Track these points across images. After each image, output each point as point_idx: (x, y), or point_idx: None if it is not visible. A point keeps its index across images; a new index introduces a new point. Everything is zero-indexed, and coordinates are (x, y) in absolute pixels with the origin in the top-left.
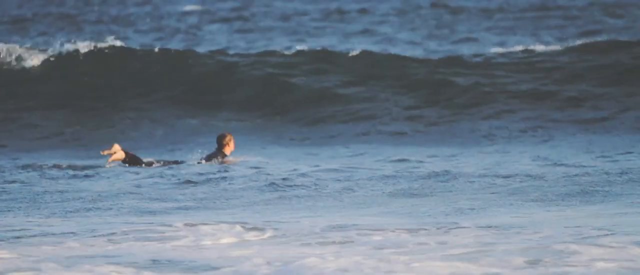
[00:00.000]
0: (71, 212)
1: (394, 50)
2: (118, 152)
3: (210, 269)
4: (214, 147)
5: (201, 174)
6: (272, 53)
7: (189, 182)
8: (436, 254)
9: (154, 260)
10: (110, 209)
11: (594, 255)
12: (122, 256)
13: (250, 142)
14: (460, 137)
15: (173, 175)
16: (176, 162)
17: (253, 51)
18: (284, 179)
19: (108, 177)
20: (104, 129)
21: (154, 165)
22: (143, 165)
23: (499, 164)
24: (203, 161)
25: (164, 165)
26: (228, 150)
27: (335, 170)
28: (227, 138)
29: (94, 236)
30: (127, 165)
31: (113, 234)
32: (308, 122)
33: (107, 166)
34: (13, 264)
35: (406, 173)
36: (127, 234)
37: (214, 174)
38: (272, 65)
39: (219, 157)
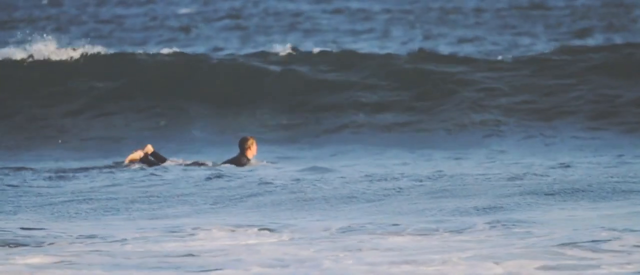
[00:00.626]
0: (81, 214)
1: (388, 50)
2: (137, 151)
3: (224, 270)
4: (209, 146)
5: (218, 177)
6: (258, 54)
7: (205, 184)
8: (452, 255)
9: (167, 263)
10: (124, 211)
11: (607, 259)
12: (133, 259)
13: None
14: (459, 136)
15: (189, 177)
16: (199, 163)
17: (246, 52)
18: (294, 181)
19: (121, 178)
20: (110, 130)
21: (173, 163)
22: (166, 162)
23: (502, 162)
24: (224, 164)
25: (185, 165)
26: (250, 153)
27: (341, 171)
28: (249, 142)
29: (107, 241)
30: (145, 165)
31: (124, 239)
32: (305, 123)
33: (125, 164)
34: (16, 268)
35: (410, 173)
36: (138, 238)
37: (231, 176)
38: (256, 64)
39: (240, 160)
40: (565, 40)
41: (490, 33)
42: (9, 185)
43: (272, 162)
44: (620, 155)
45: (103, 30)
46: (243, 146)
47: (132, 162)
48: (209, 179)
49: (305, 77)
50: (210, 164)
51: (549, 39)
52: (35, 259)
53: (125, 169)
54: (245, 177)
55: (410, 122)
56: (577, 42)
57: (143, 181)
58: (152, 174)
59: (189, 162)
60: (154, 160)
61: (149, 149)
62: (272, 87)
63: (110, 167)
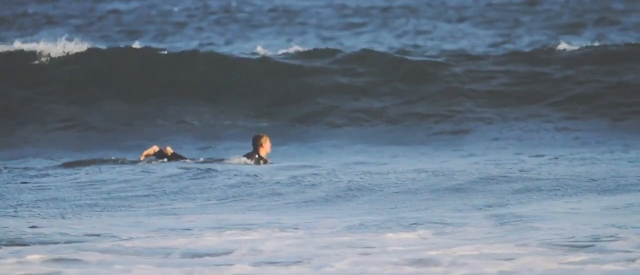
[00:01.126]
0: (89, 211)
1: (381, 44)
2: (153, 146)
3: (230, 267)
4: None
5: (226, 174)
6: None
7: (213, 181)
8: (458, 253)
9: (172, 260)
10: (130, 207)
11: (612, 257)
12: (138, 257)
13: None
14: (451, 128)
15: (197, 174)
16: (212, 160)
17: (235, 48)
18: (300, 178)
19: (131, 174)
20: (115, 126)
21: (186, 161)
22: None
23: (499, 156)
24: (237, 161)
25: (197, 162)
26: (263, 151)
27: (342, 168)
28: (263, 139)
29: (113, 238)
30: (164, 160)
31: (130, 237)
32: (300, 120)
33: (141, 159)
34: (22, 266)
35: (408, 171)
36: (143, 236)
37: (240, 174)
38: (240, 58)
39: (253, 157)
40: (558, 35)
41: (482, 28)
42: (15, 183)
43: (272, 162)
44: (621, 149)
45: (98, 24)
46: (256, 143)
47: (148, 156)
48: (217, 176)
49: (291, 73)
50: (221, 160)
51: (542, 33)
52: (41, 257)
53: (137, 163)
54: (254, 174)
55: (399, 114)
56: (569, 37)
57: (151, 178)
58: (161, 171)
59: (201, 159)
60: (170, 156)
61: (169, 150)
62: (257, 81)
63: (123, 162)
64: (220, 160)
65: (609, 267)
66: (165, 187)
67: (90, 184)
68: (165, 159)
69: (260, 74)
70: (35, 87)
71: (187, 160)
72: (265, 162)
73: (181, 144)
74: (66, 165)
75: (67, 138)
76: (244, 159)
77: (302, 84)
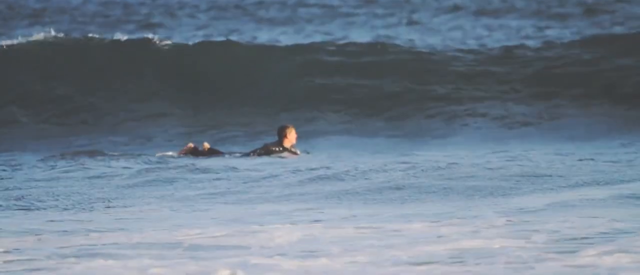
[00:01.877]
0: (108, 204)
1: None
2: (189, 144)
3: (244, 259)
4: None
5: (233, 168)
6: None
7: (220, 175)
8: (464, 250)
9: (185, 253)
10: (140, 200)
11: (623, 248)
12: (150, 249)
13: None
14: (439, 122)
15: (212, 166)
16: (255, 152)
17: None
18: (318, 171)
19: (142, 168)
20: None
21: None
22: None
23: (496, 152)
24: (260, 152)
25: (233, 156)
26: (287, 142)
27: (346, 162)
28: (287, 129)
29: (127, 232)
30: (192, 156)
31: (142, 229)
32: (286, 108)
33: (178, 155)
34: (42, 263)
35: (411, 163)
36: (159, 229)
37: (257, 166)
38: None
39: (278, 148)
40: (545, 27)
41: (470, 21)
42: (20, 175)
43: (306, 152)
44: (625, 141)
45: (88, 15)
46: (281, 134)
47: (184, 153)
48: (229, 169)
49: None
50: (255, 152)
51: (530, 25)
52: (49, 252)
53: (150, 158)
54: (267, 167)
55: (392, 117)
56: (557, 27)
57: (161, 171)
58: (171, 164)
59: (238, 154)
60: (207, 152)
61: (206, 146)
62: (241, 70)
63: (154, 157)
64: (255, 153)
65: (621, 261)
66: (175, 179)
67: (99, 177)
68: (201, 155)
69: (246, 62)
70: (19, 75)
71: (225, 155)
72: (290, 152)
73: (167, 132)
74: (74, 153)
75: (58, 128)
76: (268, 149)
77: (286, 72)
